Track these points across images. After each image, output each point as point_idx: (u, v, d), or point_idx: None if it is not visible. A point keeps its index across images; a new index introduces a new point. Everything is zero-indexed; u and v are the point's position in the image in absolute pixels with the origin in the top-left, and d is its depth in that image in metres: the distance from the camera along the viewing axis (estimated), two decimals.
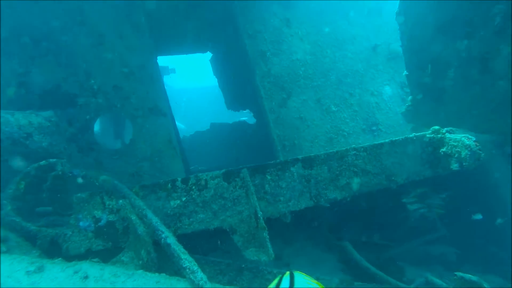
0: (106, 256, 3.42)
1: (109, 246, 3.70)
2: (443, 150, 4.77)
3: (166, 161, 6.27)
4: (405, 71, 6.42)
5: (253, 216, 3.88)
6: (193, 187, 3.97)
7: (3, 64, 5.40)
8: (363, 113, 7.65)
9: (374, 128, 7.65)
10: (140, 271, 2.90)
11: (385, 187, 4.76)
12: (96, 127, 6.02)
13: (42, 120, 4.81)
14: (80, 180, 4.12)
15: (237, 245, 3.93)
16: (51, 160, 4.31)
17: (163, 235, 3.18)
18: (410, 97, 6.39)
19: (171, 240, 3.13)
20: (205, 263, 4.02)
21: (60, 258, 2.94)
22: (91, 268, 2.79)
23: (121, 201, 3.49)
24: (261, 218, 3.72)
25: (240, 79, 9.25)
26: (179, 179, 3.96)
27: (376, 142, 4.81)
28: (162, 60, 10.42)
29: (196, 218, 3.91)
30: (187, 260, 2.87)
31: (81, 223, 3.61)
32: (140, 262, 3.31)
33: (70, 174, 4.08)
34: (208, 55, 9.67)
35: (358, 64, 7.87)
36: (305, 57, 7.57)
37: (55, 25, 5.70)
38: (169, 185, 3.91)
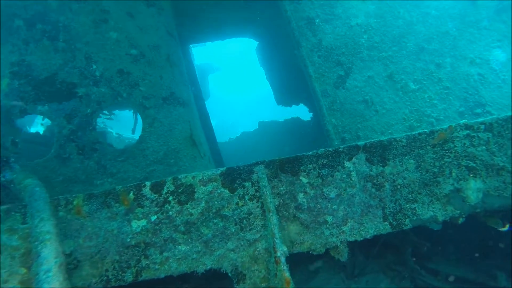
0: None
1: None
2: None
3: (184, 163, 4.71)
4: None
5: (273, 252, 2.02)
6: (170, 198, 2.28)
7: None
8: (460, 90, 5.15)
9: (478, 110, 5.09)
10: None
11: None
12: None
13: None
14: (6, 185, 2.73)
15: None
16: None
17: None
18: None
19: None
20: None
21: None
22: None
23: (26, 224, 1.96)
24: (283, 260, 1.83)
25: (291, 67, 7.45)
26: (148, 184, 2.31)
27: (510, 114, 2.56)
28: (206, 57, 9.09)
29: (174, 253, 2.20)
30: None
31: None
32: None
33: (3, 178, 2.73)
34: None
35: (447, 23, 5.41)
36: (368, 21, 5.43)
37: (51, 4, 4.65)
38: (131, 193, 2.29)
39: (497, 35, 5.21)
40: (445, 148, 2.35)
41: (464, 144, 2.36)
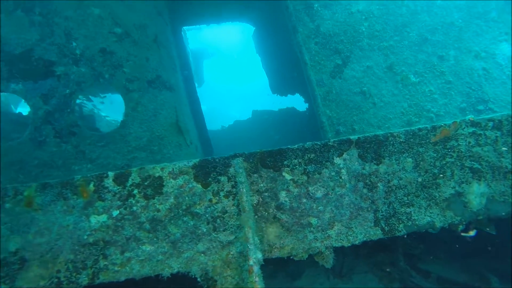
0: None
1: None
2: None
3: (169, 151, 4.43)
4: None
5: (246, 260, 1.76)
6: (135, 191, 2.01)
7: None
8: (462, 85, 4.86)
9: (480, 107, 4.81)
10: None
11: None
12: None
13: None
14: None
15: None
16: None
17: None
18: None
19: None
20: None
21: None
22: None
23: None
24: (257, 270, 1.57)
25: (287, 55, 7.11)
26: (111, 174, 2.03)
27: None
28: (200, 42, 8.71)
29: (137, 253, 1.94)
30: None
31: None
32: None
33: None
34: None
35: (453, 13, 5.08)
36: (370, 8, 5.08)
37: None
38: (92, 185, 2.02)
39: (505, 27, 4.90)
40: (448, 146, 2.08)
41: (469, 143, 2.09)
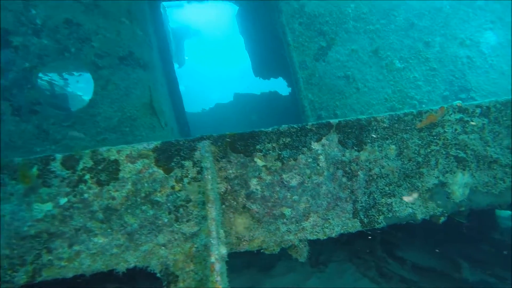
0: None
1: None
2: None
3: (141, 133, 4.14)
4: None
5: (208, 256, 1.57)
6: (87, 176, 1.77)
7: None
8: (446, 72, 4.75)
9: (463, 96, 4.73)
10: None
11: None
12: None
13: None
14: None
15: None
16: None
17: None
18: None
19: None
20: None
21: None
22: None
23: None
24: (218, 267, 1.39)
25: (271, 37, 6.80)
26: (58, 156, 1.77)
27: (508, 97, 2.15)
28: (181, 21, 8.27)
29: (87, 246, 1.71)
30: None
31: None
32: None
33: None
34: None
35: None
36: None
37: None
38: (35, 168, 1.76)
39: (490, 16, 4.78)
40: (434, 133, 1.92)
41: (456, 130, 1.94)
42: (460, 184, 1.92)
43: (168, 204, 1.70)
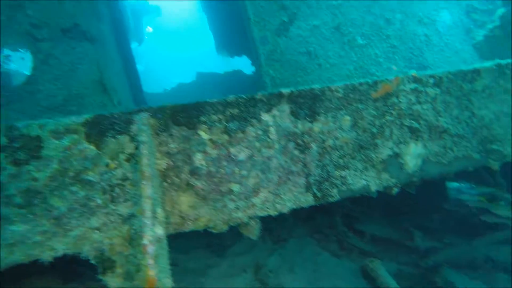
0: None
1: None
2: None
3: (90, 112, 3.82)
4: None
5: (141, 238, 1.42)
6: (1, 156, 1.53)
7: None
8: (406, 50, 4.78)
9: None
10: None
11: (474, 167, 2.15)
12: None
13: None
14: None
15: None
16: None
17: None
18: (500, 11, 3.52)
19: None
20: None
21: None
22: None
23: None
24: (152, 250, 1.24)
25: (235, 14, 6.50)
26: None
27: (463, 68, 2.14)
28: None
29: (3, 236, 1.49)
30: None
31: None
32: None
33: None
34: None
35: None
36: None
37: None
38: None
39: None
40: (388, 103, 1.85)
41: (410, 100, 1.88)
42: (413, 155, 1.88)
43: (102, 184, 1.50)
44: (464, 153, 1.95)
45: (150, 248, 1.18)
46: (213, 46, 7.50)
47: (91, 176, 1.51)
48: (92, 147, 1.53)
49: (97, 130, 1.54)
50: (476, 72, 1.97)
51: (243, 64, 7.70)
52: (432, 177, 1.96)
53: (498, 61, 2.03)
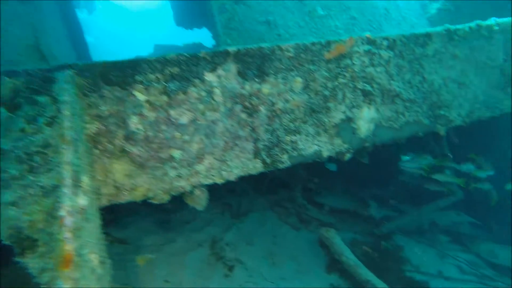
0: None
1: None
2: None
3: None
4: None
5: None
6: None
7: None
8: (365, 22, 4.75)
9: None
10: None
11: (424, 132, 2.16)
12: None
13: None
14: None
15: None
16: None
17: None
18: None
19: None
20: None
21: None
22: None
23: None
24: (70, 222, 1.10)
25: None
26: None
27: (415, 31, 2.11)
28: None
29: None
30: None
31: None
32: None
33: None
34: None
35: None
36: None
37: None
38: None
39: None
40: (342, 65, 1.76)
41: (364, 62, 1.81)
42: (366, 119, 1.84)
43: (17, 152, 1.29)
44: (415, 118, 1.94)
45: (68, 220, 1.02)
46: (172, 22, 7.03)
47: (3, 144, 1.29)
48: (3, 109, 1.29)
49: (8, 90, 1.30)
50: (428, 36, 1.94)
51: (205, 38, 7.34)
52: (383, 143, 1.95)
53: (447, 26, 2.01)
